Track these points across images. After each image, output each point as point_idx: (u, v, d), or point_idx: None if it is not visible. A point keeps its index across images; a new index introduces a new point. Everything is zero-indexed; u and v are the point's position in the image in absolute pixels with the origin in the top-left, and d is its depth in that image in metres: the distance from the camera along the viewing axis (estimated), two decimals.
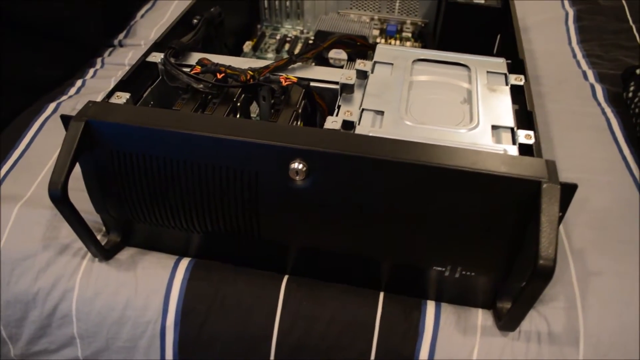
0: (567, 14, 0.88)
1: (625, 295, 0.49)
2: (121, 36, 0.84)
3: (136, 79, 0.54)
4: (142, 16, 0.89)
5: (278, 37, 0.85)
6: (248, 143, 0.43)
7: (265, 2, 0.86)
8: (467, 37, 0.72)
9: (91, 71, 0.77)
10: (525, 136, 0.45)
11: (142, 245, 0.55)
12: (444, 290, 0.49)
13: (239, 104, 0.53)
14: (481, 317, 0.49)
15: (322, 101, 0.55)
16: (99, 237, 0.54)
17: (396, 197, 0.42)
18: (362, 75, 0.54)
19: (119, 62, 0.78)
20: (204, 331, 0.50)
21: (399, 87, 0.51)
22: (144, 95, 0.54)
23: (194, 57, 0.58)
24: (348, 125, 0.48)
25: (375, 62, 0.55)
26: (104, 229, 0.55)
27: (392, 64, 0.55)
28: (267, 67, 0.54)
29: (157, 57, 0.56)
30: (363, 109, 0.49)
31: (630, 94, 0.66)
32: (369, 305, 0.49)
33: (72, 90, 0.73)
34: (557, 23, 0.86)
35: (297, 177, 0.43)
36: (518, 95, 0.52)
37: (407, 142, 0.42)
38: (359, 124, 0.47)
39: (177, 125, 0.44)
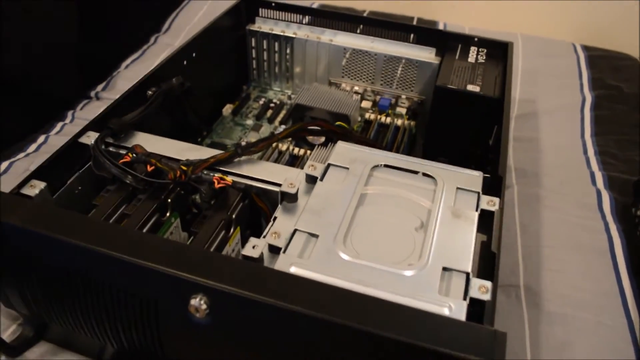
0: (584, 100, 0.79)
1: None
2: (99, 88, 0.80)
3: (63, 161, 0.49)
4: (127, 66, 0.85)
5: (262, 101, 0.79)
6: (145, 268, 0.36)
7: (254, 62, 0.81)
8: (459, 126, 0.65)
9: (58, 125, 0.73)
10: (479, 288, 0.37)
11: (58, 342, 0.50)
12: None
13: (169, 200, 0.47)
14: None
15: (265, 204, 0.48)
16: (14, 326, 0.50)
17: (309, 352, 0.35)
18: (312, 180, 0.47)
19: (88, 117, 0.74)
20: None
21: (347, 201, 0.44)
22: (69, 181, 0.48)
23: (138, 138, 0.53)
24: (274, 249, 0.41)
25: (329, 165, 0.48)
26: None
27: (347, 169, 0.48)
28: (205, 160, 0.48)
29: (92, 138, 0.50)
30: (296, 230, 0.42)
31: None
32: None
33: (32, 147, 0.69)
34: (572, 110, 0.78)
35: (198, 314, 0.36)
36: (488, 221, 0.44)
37: (328, 289, 0.35)
38: (285, 250, 0.40)
39: (71, 234, 0.38)
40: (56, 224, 0.39)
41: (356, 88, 0.77)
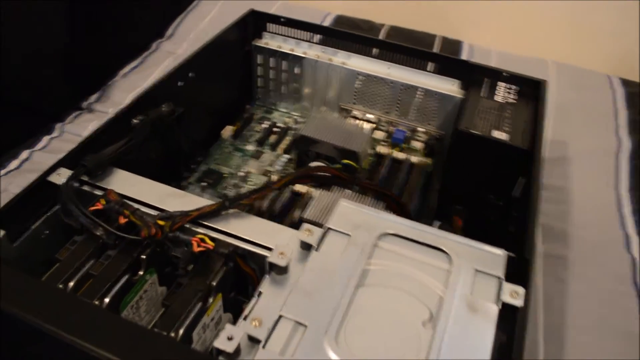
0: (619, 145, 0.71)
1: None
2: (93, 98, 0.74)
3: (29, 202, 0.43)
4: (125, 75, 0.79)
5: (265, 125, 0.72)
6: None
7: (259, 81, 0.74)
8: (480, 174, 0.58)
9: (45, 140, 0.67)
10: None
11: None
12: None
13: (143, 257, 0.41)
14: None
15: (251, 269, 0.42)
16: None
17: None
18: (307, 246, 0.41)
19: (77, 132, 0.68)
20: None
21: (344, 280, 0.38)
22: (34, 226, 0.43)
23: (117, 177, 0.47)
24: (254, 341, 0.35)
25: (328, 229, 0.42)
26: None
27: (349, 236, 0.41)
28: (187, 214, 0.42)
29: (63, 177, 0.44)
30: (281, 316, 0.35)
31: None
32: None
33: (14, 164, 0.63)
34: (606, 156, 0.70)
35: None
36: (510, 315, 0.37)
37: None
38: (265, 344, 0.34)
39: (19, 306, 0.33)
40: (5, 292, 0.33)
41: (369, 116, 0.71)
